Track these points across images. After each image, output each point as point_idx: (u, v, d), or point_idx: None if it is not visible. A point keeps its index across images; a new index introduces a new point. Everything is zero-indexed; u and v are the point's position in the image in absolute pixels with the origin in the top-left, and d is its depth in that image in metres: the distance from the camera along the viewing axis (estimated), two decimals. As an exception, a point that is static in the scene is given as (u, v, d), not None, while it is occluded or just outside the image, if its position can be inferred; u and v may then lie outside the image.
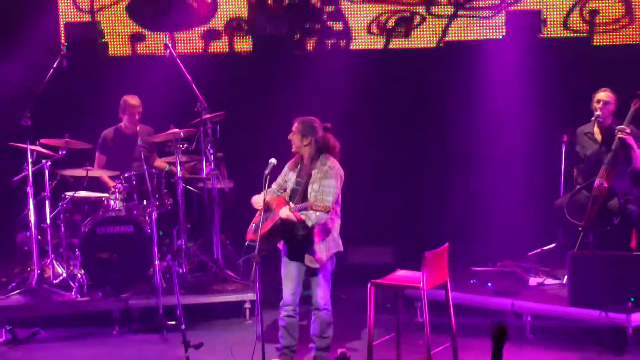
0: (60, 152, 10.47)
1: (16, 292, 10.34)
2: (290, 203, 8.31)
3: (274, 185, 8.61)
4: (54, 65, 10.68)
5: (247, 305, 10.12)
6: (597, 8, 12.00)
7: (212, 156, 10.70)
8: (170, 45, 11.02)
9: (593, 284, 9.39)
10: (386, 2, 12.38)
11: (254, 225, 8.50)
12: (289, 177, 8.53)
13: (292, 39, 12.41)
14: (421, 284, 8.42)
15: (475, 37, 12.16)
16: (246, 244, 8.92)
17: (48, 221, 10.43)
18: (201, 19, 12.54)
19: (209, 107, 10.61)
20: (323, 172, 8.37)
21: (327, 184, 8.34)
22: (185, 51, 12.12)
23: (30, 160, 10.29)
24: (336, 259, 8.62)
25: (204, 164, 10.70)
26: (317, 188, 8.34)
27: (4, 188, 10.90)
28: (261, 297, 8.55)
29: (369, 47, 12.41)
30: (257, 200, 8.45)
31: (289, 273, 8.56)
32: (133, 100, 10.79)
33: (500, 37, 11.90)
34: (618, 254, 9.72)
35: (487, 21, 12.19)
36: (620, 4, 11.95)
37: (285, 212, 8.22)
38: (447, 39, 12.27)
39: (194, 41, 12.54)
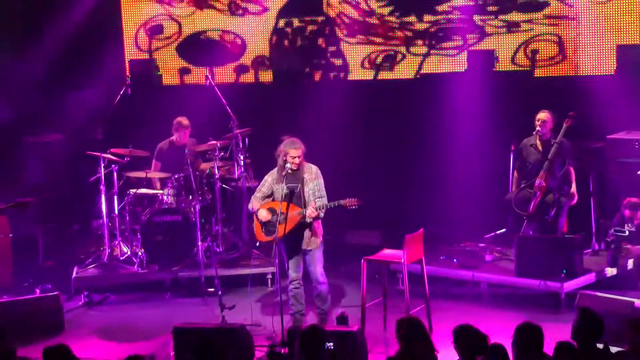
0: (125, 159, 10.48)
1: (92, 266, 10.37)
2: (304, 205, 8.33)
3: (257, 194, 8.55)
4: (121, 92, 10.74)
5: (269, 276, 10.10)
6: (537, 48, 11.94)
7: (242, 162, 10.69)
8: (209, 76, 11.01)
9: (534, 260, 9.41)
10: (375, 43, 12.34)
11: (263, 230, 8.47)
12: (276, 187, 8.42)
13: (303, 72, 12.38)
14: (402, 260, 8.44)
15: (444, 71, 12.10)
16: (257, 244, 8.94)
17: (116, 212, 10.45)
18: (233, 56, 12.51)
19: (239, 124, 10.61)
20: (313, 174, 8.45)
21: (320, 182, 8.43)
22: (221, 81, 12.07)
23: (102, 165, 10.29)
24: (335, 240, 8.63)
25: (235, 168, 10.69)
26: (312, 187, 8.38)
27: (83, 186, 10.91)
28: (280, 270, 8.59)
29: (362, 78, 12.35)
30: (265, 216, 8.41)
31: (292, 255, 8.49)
32: (185, 121, 10.74)
33: (463, 70, 11.85)
34: (553, 237, 9.73)
35: (453, 58, 12.14)
36: (555, 45, 11.90)
37: (314, 213, 8.26)
38: (422, 72, 12.22)
39: (227, 73, 12.51)
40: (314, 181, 8.40)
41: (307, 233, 8.39)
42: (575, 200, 9.98)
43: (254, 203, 8.52)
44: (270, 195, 8.50)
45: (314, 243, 8.43)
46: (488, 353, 5.89)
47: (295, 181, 8.37)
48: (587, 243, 10.09)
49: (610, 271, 9.58)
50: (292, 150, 8.31)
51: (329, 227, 8.89)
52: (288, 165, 8.31)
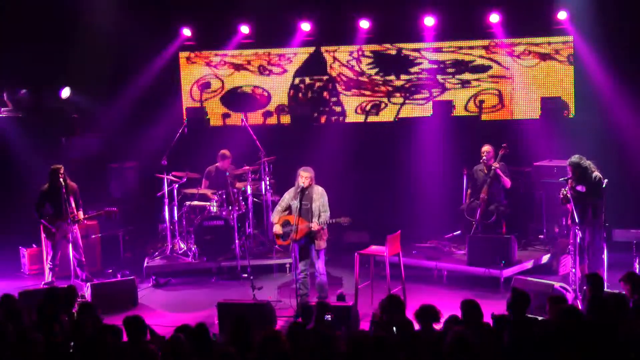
0: (183, 179, 10.53)
1: (158, 257, 10.42)
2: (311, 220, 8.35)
3: (278, 207, 8.60)
4: (180, 131, 10.79)
5: (287, 265, 10.10)
6: (483, 99, 12.00)
7: (267, 182, 10.73)
8: (244, 119, 11.10)
9: (481, 253, 9.44)
10: (365, 95, 12.40)
11: (281, 237, 8.53)
12: (292, 203, 8.46)
13: (312, 117, 12.42)
14: (385, 253, 8.48)
15: (415, 115, 12.14)
16: (276, 246, 9.00)
17: (176, 218, 10.50)
18: (261, 105, 12.56)
19: (265, 154, 10.66)
20: (319, 194, 8.45)
21: (324, 201, 8.44)
22: (253, 123, 12.11)
23: (166, 184, 10.36)
24: (335, 239, 8.59)
25: (263, 186, 10.74)
26: (319, 203, 8.41)
27: (151, 199, 10.96)
28: (295, 261, 8.62)
29: (356, 121, 12.39)
30: (278, 230, 8.49)
31: (302, 254, 8.50)
32: (227, 153, 10.78)
33: (429, 115, 11.91)
34: (494, 236, 9.77)
35: (422, 106, 12.19)
36: (496, 97, 11.97)
37: (316, 226, 8.29)
38: (399, 116, 12.26)
39: (257, 117, 12.53)
40: (320, 199, 8.46)
41: (316, 240, 8.46)
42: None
43: (274, 216, 8.62)
44: (288, 208, 8.57)
45: (320, 245, 8.50)
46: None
47: (307, 198, 8.44)
48: (519, 241, 10.13)
49: (545, 259, 9.68)
50: (303, 173, 8.47)
51: (333, 230, 8.94)
52: (301, 184, 8.43)
